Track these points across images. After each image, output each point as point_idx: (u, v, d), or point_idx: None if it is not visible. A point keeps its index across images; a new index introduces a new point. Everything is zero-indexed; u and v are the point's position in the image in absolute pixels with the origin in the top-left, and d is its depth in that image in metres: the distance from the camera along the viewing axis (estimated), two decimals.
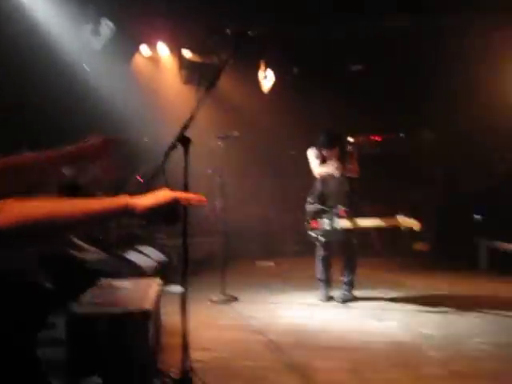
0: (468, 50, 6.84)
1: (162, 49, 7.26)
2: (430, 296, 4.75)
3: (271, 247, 7.85)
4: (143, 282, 3.37)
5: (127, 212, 1.15)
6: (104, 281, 3.39)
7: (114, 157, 1.91)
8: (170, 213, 1.23)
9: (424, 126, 8.48)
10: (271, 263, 7.04)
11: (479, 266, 6.41)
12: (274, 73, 7.78)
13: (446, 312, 4.18)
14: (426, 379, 2.74)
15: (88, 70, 5.90)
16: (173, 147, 2.38)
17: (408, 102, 7.86)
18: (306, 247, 8.02)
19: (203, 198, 1.31)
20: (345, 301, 4.53)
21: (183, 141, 2.40)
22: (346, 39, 6.98)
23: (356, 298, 4.59)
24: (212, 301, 4.56)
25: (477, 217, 6.92)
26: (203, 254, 6.70)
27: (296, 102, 7.72)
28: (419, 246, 7.60)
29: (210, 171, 6.26)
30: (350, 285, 4.61)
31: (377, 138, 9.24)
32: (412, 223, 4.36)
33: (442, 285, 5.34)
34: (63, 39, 5.54)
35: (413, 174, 7.96)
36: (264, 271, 6.55)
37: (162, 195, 1.23)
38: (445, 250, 7.04)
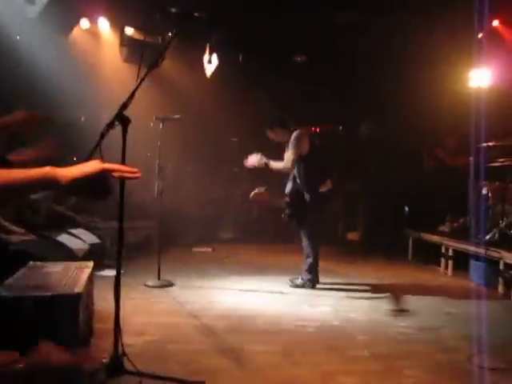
0: (405, 50, 7.16)
1: (104, 24, 6.97)
2: (361, 283, 4.98)
3: (209, 233, 7.85)
4: (74, 265, 3.25)
5: (50, 182, 1.08)
6: (32, 264, 3.25)
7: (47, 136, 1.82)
8: (99, 185, 1.14)
9: (362, 120, 8.79)
10: (208, 249, 7.04)
11: (407, 255, 6.80)
12: (220, 58, 7.72)
13: (373, 298, 4.40)
14: (351, 361, 2.87)
15: (18, 38, 5.53)
16: (111, 126, 2.30)
17: (348, 95, 8.11)
18: (244, 233, 8.15)
19: (136, 170, 1.23)
20: (291, 285, 4.71)
21: (122, 120, 2.33)
22: (293, 30, 7.06)
23: (310, 286, 4.65)
24: (147, 285, 4.50)
25: (405, 209, 7.31)
26: (140, 239, 6.58)
27: (240, 89, 7.72)
28: (352, 236, 7.92)
29: (149, 154, 6.12)
30: (306, 271, 4.70)
31: (316, 129, 9.46)
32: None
33: (371, 273, 5.61)
34: None
35: (349, 165, 8.25)
36: (201, 257, 6.55)
37: (90, 166, 1.15)
38: (376, 239, 7.39)
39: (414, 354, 3.00)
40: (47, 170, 1.08)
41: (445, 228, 6.25)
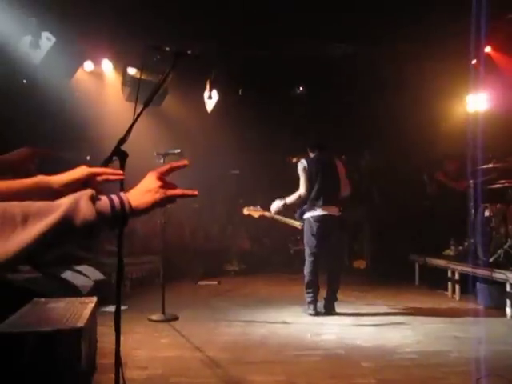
0: (401, 78, 7.32)
1: (107, 66, 7.20)
2: (367, 311, 4.93)
3: (215, 266, 7.83)
4: (77, 301, 3.28)
5: (44, 188, 1.18)
6: (36, 300, 3.27)
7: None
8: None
9: (363, 149, 8.88)
10: (214, 282, 7.02)
11: (413, 281, 6.73)
12: (220, 93, 7.92)
13: (379, 325, 4.35)
14: None
15: (25, 82, 5.74)
16: (109, 160, 2.37)
17: (348, 125, 8.23)
18: (249, 266, 8.13)
19: (119, 172, 1.34)
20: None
21: (119, 154, 2.39)
22: (290, 63, 7.25)
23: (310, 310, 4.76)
24: (151, 320, 4.48)
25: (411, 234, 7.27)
26: (145, 273, 6.59)
27: (240, 123, 7.88)
28: (358, 264, 7.87)
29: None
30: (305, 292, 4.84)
31: None
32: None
33: (378, 300, 5.56)
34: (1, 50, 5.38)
35: (353, 194, 8.27)
36: (206, 290, 6.52)
37: (78, 171, 1.26)
38: (382, 266, 7.34)
39: (421, 380, 2.96)
40: (40, 177, 1.17)
41: (450, 252, 6.21)
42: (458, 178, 6.84)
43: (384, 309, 5.06)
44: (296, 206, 5.02)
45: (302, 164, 5.01)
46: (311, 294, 4.75)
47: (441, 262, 6.00)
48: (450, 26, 6.14)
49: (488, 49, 7.07)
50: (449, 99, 7.25)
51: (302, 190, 4.93)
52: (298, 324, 4.40)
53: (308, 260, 4.82)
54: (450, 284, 5.76)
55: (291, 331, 4.14)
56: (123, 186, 2.49)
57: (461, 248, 6.09)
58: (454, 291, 5.67)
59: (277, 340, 3.86)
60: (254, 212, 5.23)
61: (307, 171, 4.95)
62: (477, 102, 7.06)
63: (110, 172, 1.33)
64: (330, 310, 4.77)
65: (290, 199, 4.99)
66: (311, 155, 5.12)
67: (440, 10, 5.75)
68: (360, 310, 4.94)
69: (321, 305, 4.81)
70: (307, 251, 4.85)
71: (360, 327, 4.28)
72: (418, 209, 7.23)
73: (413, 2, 5.70)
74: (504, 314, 4.57)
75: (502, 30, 6.61)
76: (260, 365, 3.24)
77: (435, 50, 6.93)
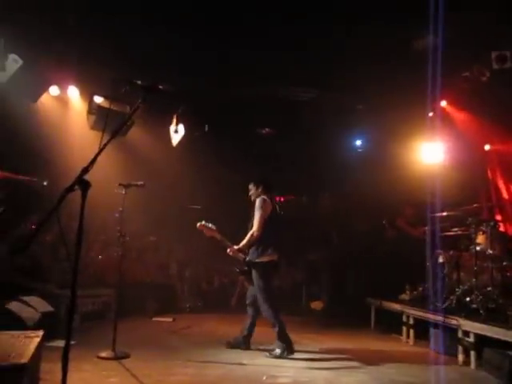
0: (362, 125, 7.62)
1: (73, 92, 7.14)
2: (322, 353, 4.89)
3: (170, 302, 7.64)
4: (22, 335, 3.10)
5: None
6: None
7: None
8: None
9: (324, 191, 9.07)
10: (169, 319, 6.81)
11: (369, 324, 6.78)
12: (186, 128, 7.96)
13: (335, 368, 4.31)
14: None
15: None
16: (70, 189, 2.31)
17: (310, 167, 8.43)
18: (205, 303, 7.98)
19: None
20: (270, 357, 4.63)
21: (82, 184, 2.34)
22: (257, 103, 7.44)
23: (288, 353, 4.62)
24: (100, 357, 4.26)
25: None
26: (97, 307, 6.33)
27: (204, 159, 7.93)
28: (315, 305, 7.87)
29: (116, 215, 5.98)
30: (278, 340, 4.69)
31: (280, 199, 9.65)
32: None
33: (333, 343, 5.54)
34: None
35: (311, 235, 8.39)
36: (161, 327, 6.31)
37: None
38: (339, 309, 7.38)
39: None
40: None
41: (405, 296, 6.32)
42: (415, 224, 7.06)
43: (340, 352, 5.04)
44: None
45: (264, 200, 4.85)
46: (286, 343, 4.63)
47: (396, 306, 6.09)
48: (409, 81, 6.50)
49: (443, 103, 7.52)
50: (409, 148, 7.58)
51: (256, 229, 4.75)
52: (254, 366, 4.29)
53: (269, 305, 4.66)
54: (404, 328, 5.83)
55: (247, 373, 4.03)
56: (83, 218, 2.43)
57: (415, 293, 6.21)
58: (408, 336, 5.74)
59: (232, 382, 3.75)
60: (207, 229, 4.91)
61: (267, 210, 4.81)
62: (433, 153, 7.42)
63: None
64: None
65: (243, 244, 4.80)
66: (264, 195, 4.93)
67: (401, 64, 6.12)
68: (316, 353, 4.90)
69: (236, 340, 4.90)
70: (265, 296, 4.68)
71: (316, 370, 4.23)
72: (376, 253, 7.36)
73: (376, 55, 6.05)
74: (456, 360, 4.65)
75: (456, 87, 7.06)
76: None
77: (396, 102, 7.30)
